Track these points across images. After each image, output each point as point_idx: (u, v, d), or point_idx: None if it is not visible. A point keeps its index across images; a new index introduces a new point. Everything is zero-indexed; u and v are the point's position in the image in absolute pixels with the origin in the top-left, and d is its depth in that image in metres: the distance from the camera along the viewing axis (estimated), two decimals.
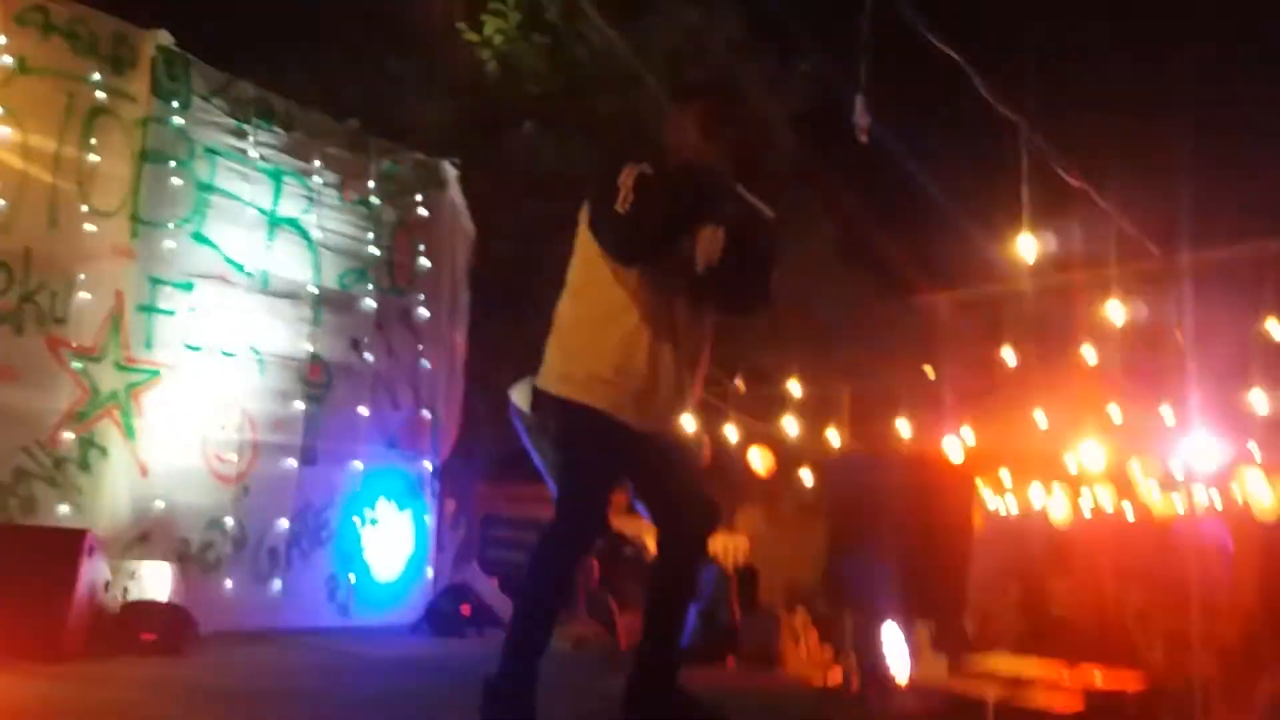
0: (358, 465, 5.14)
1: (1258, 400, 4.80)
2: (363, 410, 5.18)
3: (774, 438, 12.60)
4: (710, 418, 13.04)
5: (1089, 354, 6.35)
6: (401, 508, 5.38)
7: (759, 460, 11.54)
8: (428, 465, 5.54)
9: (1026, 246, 5.13)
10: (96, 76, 4.23)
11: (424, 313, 5.60)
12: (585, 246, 2.85)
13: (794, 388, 11.96)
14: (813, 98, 7.01)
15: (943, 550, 4.81)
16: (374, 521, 5.20)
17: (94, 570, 3.54)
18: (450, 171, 5.94)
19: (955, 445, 6.63)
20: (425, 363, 5.56)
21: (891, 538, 4.57)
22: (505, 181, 6.82)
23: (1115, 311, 5.99)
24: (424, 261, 5.64)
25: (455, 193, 5.97)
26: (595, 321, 2.83)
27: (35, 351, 3.93)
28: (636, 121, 6.99)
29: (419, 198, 5.72)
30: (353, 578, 5.02)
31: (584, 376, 2.81)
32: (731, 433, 13.18)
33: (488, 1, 6.63)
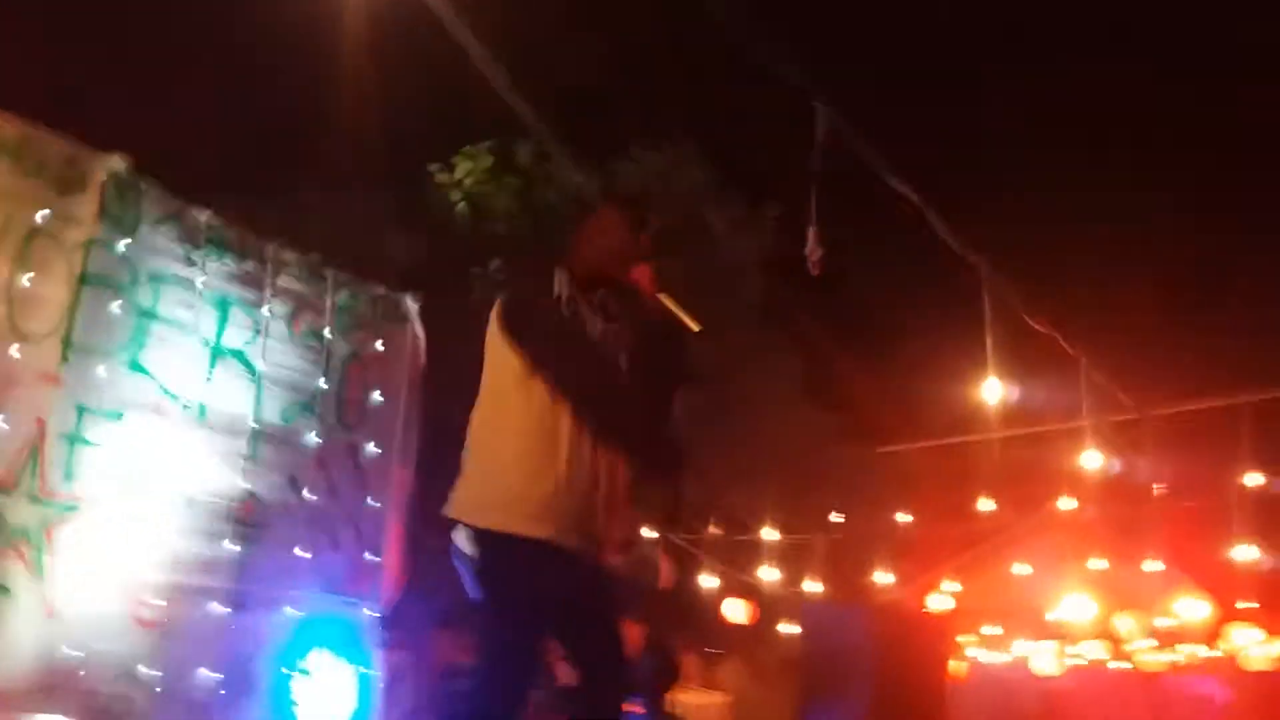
0: (292, 612, 4.80)
1: (1243, 553, 4.61)
2: (300, 552, 4.88)
3: (751, 586, 12.18)
4: (686, 564, 12.72)
5: (1066, 504, 6.18)
6: (342, 658, 5.01)
7: (738, 611, 11.09)
8: (371, 612, 5.20)
9: (991, 391, 5.00)
10: (40, 198, 4.11)
11: (373, 450, 5.36)
12: (497, 349, 2.72)
13: (769, 534, 11.64)
14: (781, 242, 7.05)
15: (916, 705, 4.51)
16: (305, 673, 4.83)
17: None
18: (411, 306, 5.81)
19: (935, 597, 6.40)
20: (372, 501, 5.29)
21: (864, 691, 4.29)
22: (471, 318, 6.73)
23: (1091, 461, 5.85)
24: (377, 397, 5.45)
25: (416, 328, 5.83)
26: (504, 431, 2.65)
27: None
28: None
29: (376, 332, 5.57)
30: None
31: (498, 498, 2.62)
32: (708, 580, 12.71)
33: (460, 144, 6.73)
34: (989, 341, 5.02)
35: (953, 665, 10.64)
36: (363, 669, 5.09)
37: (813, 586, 12.45)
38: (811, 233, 3.62)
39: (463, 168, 6.73)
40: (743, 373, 7.70)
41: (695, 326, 2.71)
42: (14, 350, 3.96)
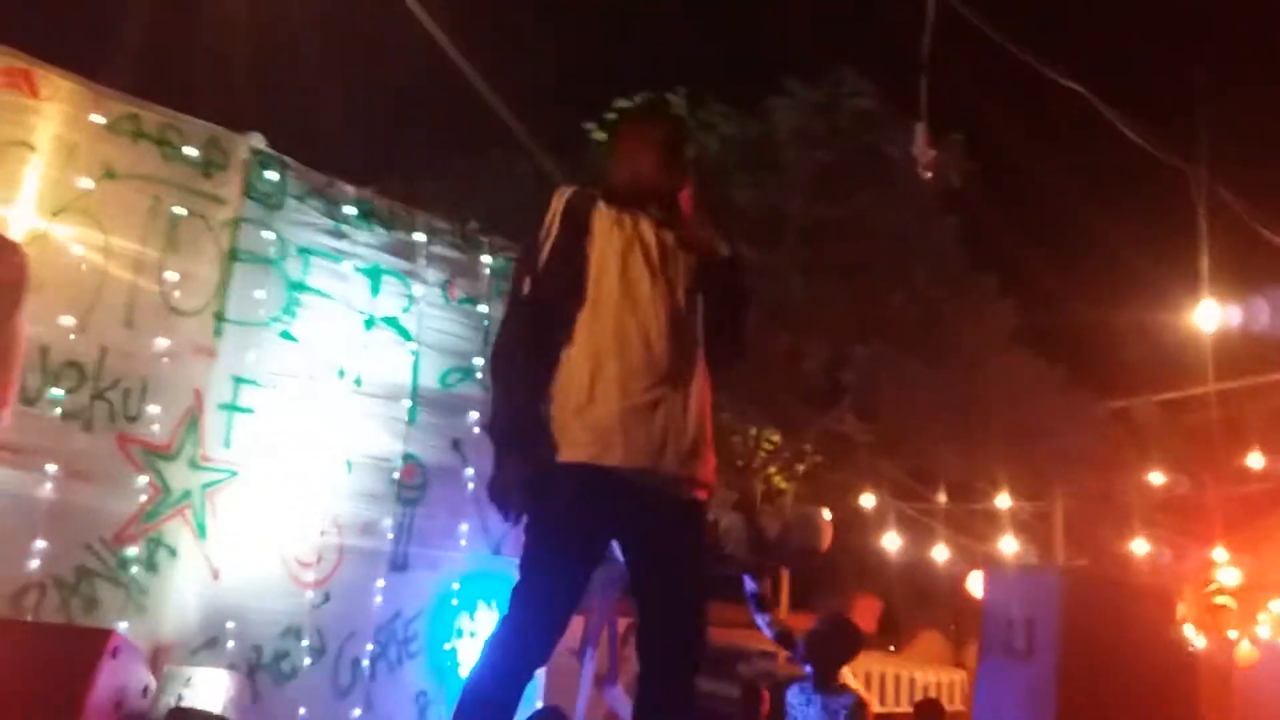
0: (455, 572, 4.83)
1: None
2: (463, 513, 4.90)
3: (991, 558, 11.35)
4: (918, 536, 12.04)
5: None
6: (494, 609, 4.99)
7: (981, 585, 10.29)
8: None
9: (1207, 315, 4.27)
10: (184, 180, 4.31)
11: None
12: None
13: (1003, 501, 10.80)
14: (967, 169, 6.42)
15: (1125, 681, 3.92)
16: (473, 634, 4.84)
17: (122, 674, 3.33)
18: None
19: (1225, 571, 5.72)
20: None
21: (1047, 662, 3.77)
22: None
23: None
24: None
25: None
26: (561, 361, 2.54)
27: (104, 449, 3.89)
28: (773, 206, 6.63)
29: None
30: None
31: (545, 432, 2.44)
32: (941, 553, 11.97)
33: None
34: (1205, 264, 4.27)
35: (1243, 651, 9.43)
36: None
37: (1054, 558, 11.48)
38: (920, 130, 3.20)
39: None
40: (948, 321, 7.12)
41: (725, 251, 2.60)
42: (168, 325, 4.16)
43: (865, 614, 15.36)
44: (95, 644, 3.21)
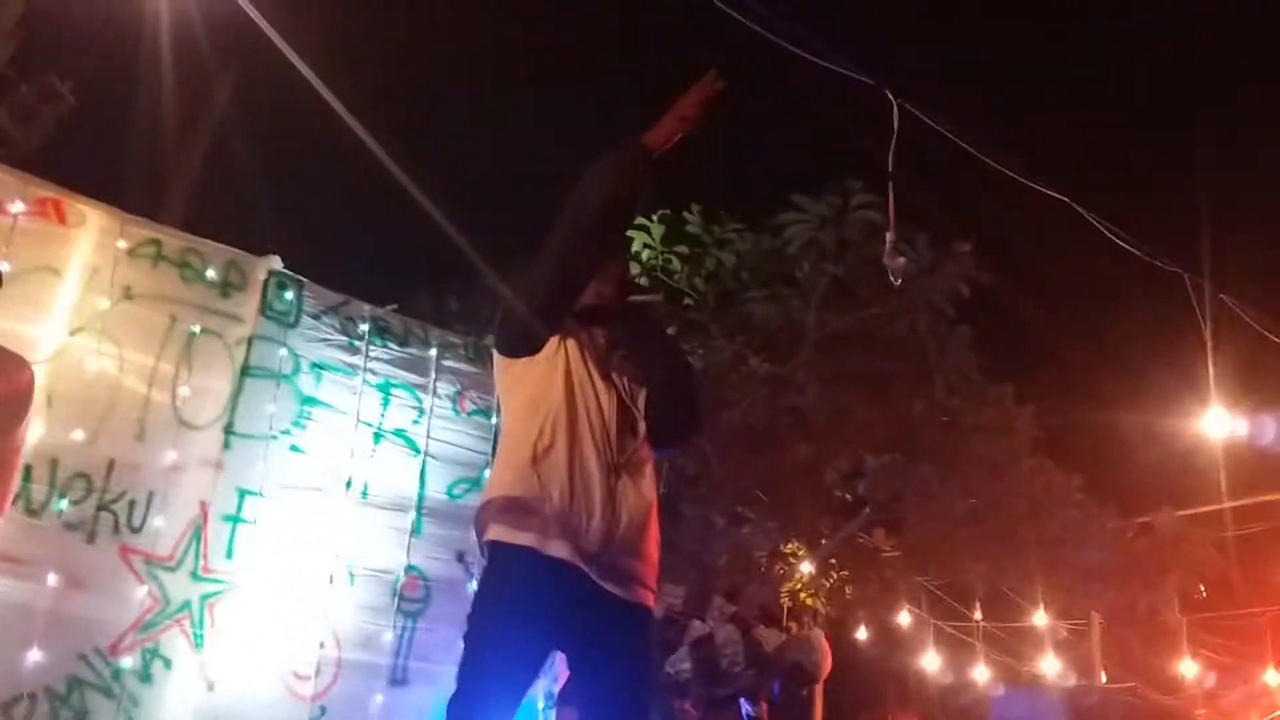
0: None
1: None
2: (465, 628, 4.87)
3: (1034, 679, 10.91)
4: (957, 654, 11.64)
5: None
6: None
7: None
8: (541, 689, 5.09)
9: (1217, 422, 4.21)
10: (202, 301, 4.49)
11: None
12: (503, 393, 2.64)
13: (1040, 619, 10.44)
14: (974, 280, 6.46)
15: None
16: None
17: None
18: None
19: None
20: None
21: None
22: None
23: None
24: None
25: None
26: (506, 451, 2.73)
27: (106, 560, 3.97)
28: (789, 319, 6.71)
29: None
30: None
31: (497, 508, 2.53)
32: (981, 673, 11.57)
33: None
34: (1209, 362, 4.25)
35: None
36: None
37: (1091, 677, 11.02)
38: (890, 239, 3.28)
39: (638, 240, 6.74)
40: (967, 431, 7.05)
41: (658, 297, 3.03)
42: (178, 438, 4.29)
43: None
44: None
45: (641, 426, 2.78)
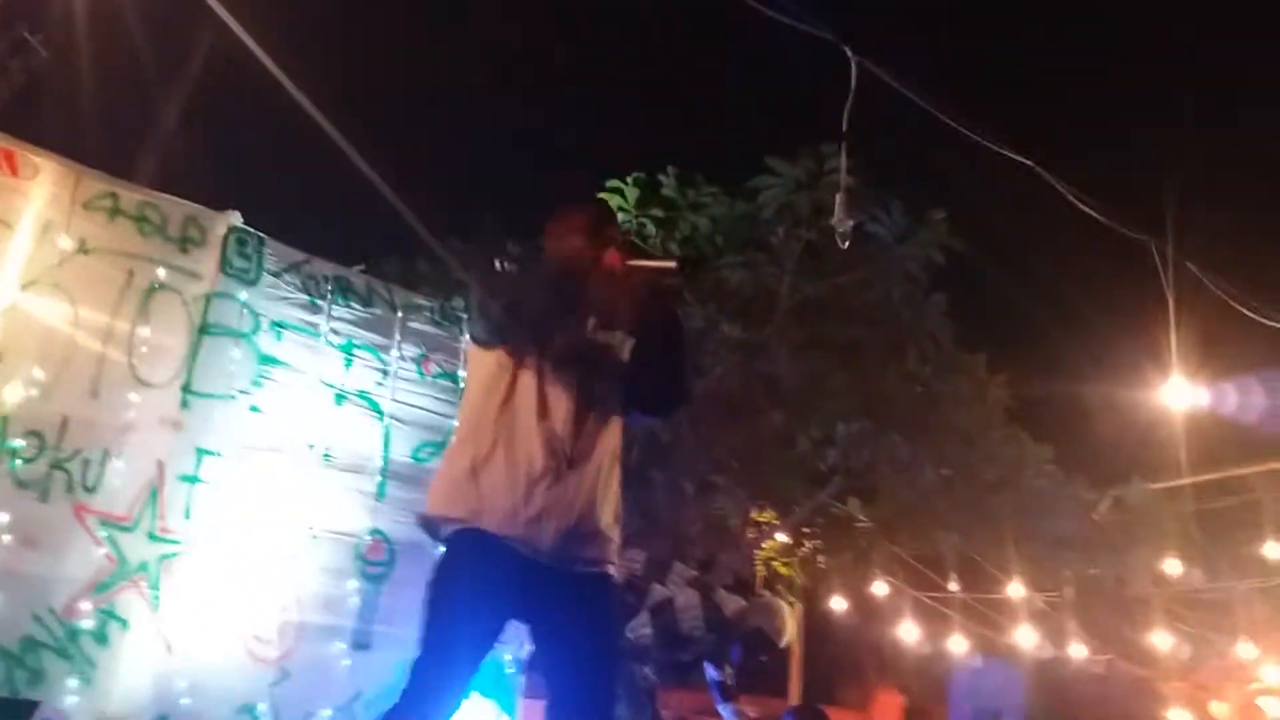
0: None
1: None
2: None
3: (1010, 650, 10.95)
4: (935, 626, 11.69)
5: None
6: (479, 701, 4.88)
7: None
8: (511, 654, 5.06)
9: (1177, 392, 4.18)
10: (160, 256, 4.39)
11: None
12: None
13: (1015, 590, 10.51)
14: (950, 247, 6.41)
15: None
16: None
17: None
18: None
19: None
20: None
21: None
22: None
23: None
24: None
25: None
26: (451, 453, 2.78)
27: (59, 519, 3.89)
28: (763, 286, 6.65)
29: None
30: None
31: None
32: (959, 643, 11.64)
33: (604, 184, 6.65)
34: (1172, 333, 4.21)
35: None
36: (502, 713, 4.93)
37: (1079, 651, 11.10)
38: (840, 200, 3.25)
39: (612, 203, 6.65)
40: (940, 399, 7.03)
41: (671, 264, 2.69)
42: (134, 396, 4.20)
43: (888, 708, 14.91)
44: (19, 716, 3.18)
45: (604, 409, 2.73)
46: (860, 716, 14.13)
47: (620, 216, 6.71)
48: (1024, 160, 3.74)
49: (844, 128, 3.47)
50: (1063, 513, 6.87)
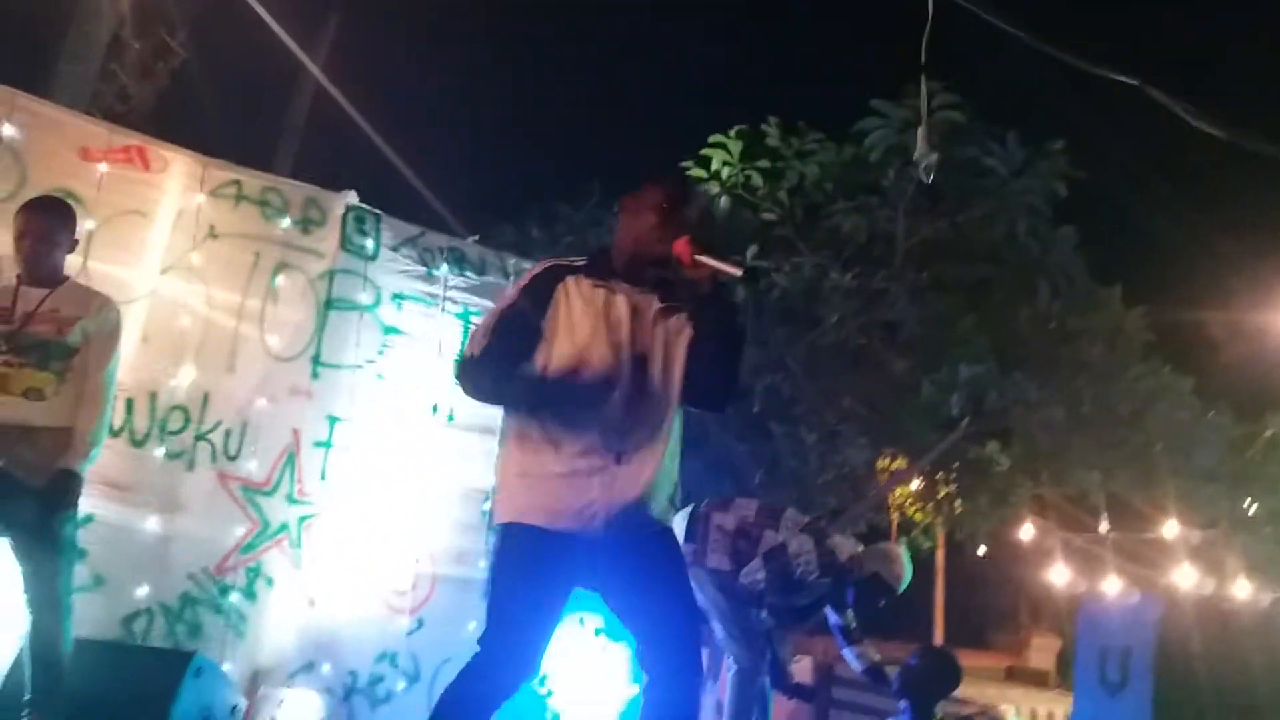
0: None
1: None
2: None
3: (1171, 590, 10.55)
4: (1088, 568, 11.32)
5: None
6: (612, 640, 5.04)
7: None
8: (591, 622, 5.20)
9: None
10: (285, 237, 4.65)
11: None
12: None
13: (1170, 529, 10.06)
14: (1073, 177, 6.13)
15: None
16: (568, 662, 4.91)
17: (207, 694, 3.60)
18: None
19: None
20: None
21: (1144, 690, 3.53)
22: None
23: None
24: None
25: None
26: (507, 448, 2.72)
27: (206, 486, 4.23)
28: (878, 230, 6.54)
29: None
30: None
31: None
32: (1113, 585, 11.27)
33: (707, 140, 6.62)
34: None
35: None
36: (626, 654, 5.08)
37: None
38: (920, 133, 3.14)
39: (717, 158, 6.63)
40: (1074, 336, 6.75)
41: (738, 271, 2.56)
42: (268, 369, 4.49)
43: (1043, 651, 14.52)
44: (178, 665, 3.49)
45: (659, 402, 2.69)
46: (1013, 659, 13.81)
47: (725, 170, 6.69)
48: (1131, 81, 3.54)
49: (921, 59, 3.35)
50: (1205, 444, 6.51)
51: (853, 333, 6.89)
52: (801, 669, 6.36)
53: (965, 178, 6.29)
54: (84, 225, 3.92)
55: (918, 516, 8.30)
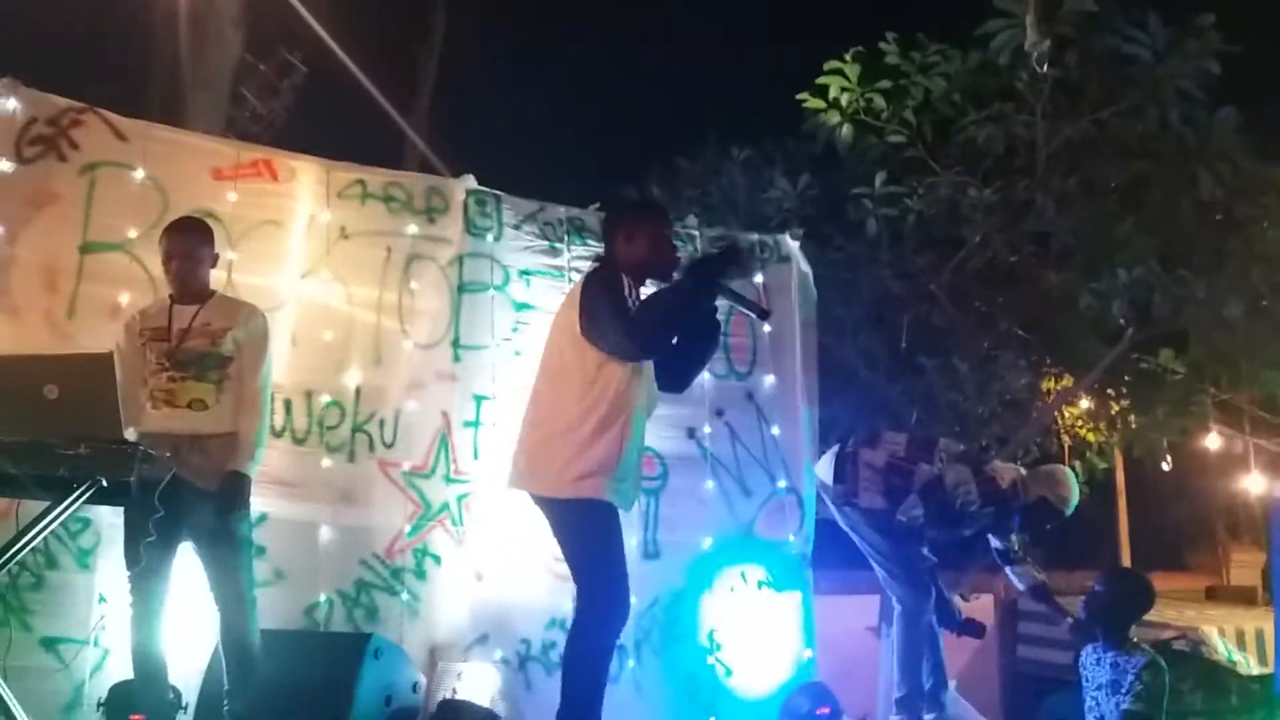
0: (706, 556, 4.95)
1: None
2: (706, 498, 5.02)
3: None
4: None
5: None
6: (770, 596, 5.02)
7: None
8: (796, 547, 5.16)
9: None
10: (412, 229, 4.77)
11: (770, 390, 5.33)
12: (567, 348, 3.35)
13: None
14: (1228, 52, 5.60)
15: None
16: (740, 612, 4.93)
17: (388, 672, 3.77)
18: (791, 244, 5.68)
19: None
20: (777, 437, 5.25)
21: None
22: (860, 243, 6.40)
23: None
24: (766, 340, 5.40)
25: (800, 265, 5.67)
26: (590, 420, 3.27)
27: (368, 475, 4.41)
28: (1017, 137, 6.19)
29: (758, 278, 5.53)
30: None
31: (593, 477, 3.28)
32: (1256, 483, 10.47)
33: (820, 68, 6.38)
34: None
35: None
36: (793, 606, 5.05)
37: None
38: (1029, 21, 2.90)
39: (834, 85, 6.38)
40: (1242, 229, 6.22)
41: (756, 313, 3.57)
42: (412, 357, 4.63)
43: (1245, 567, 13.60)
44: (359, 648, 3.67)
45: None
46: (1213, 578, 13.02)
47: (845, 96, 6.45)
48: None
49: None
50: None
51: (1000, 250, 6.55)
52: (983, 606, 6.17)
53: (1106, 69, 5.85)
54: (223, 241, 4.12)
55: (1090, 437, 7.87)
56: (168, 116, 5.68)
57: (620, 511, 3.40)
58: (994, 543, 4.57)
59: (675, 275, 3.31)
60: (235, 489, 3.47)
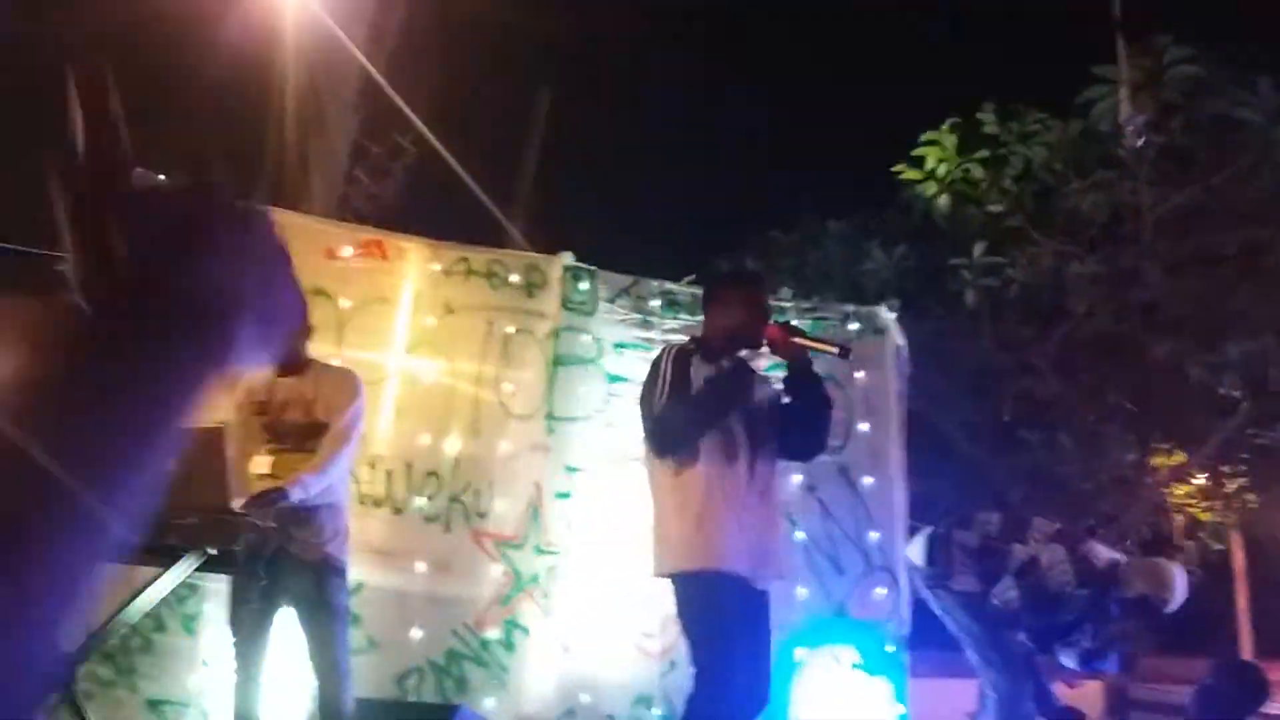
0: (797, 635, 4.87)
1: None
2: (801, 578, 4.95)
3: None
4: None
5: None
6: (871, 675, 4.91)
7: None
8: (893, 631, 5.04)
9: None
10: (511, 303, 4.92)
11: (865, 469, 5.26)
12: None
13: None
14: None
15: None
16: (831, 695, 4.82)
17: None
18: (888, 316, 5.64)
19: None
20: (872, 518, 5.16)
21: None
22: (958, 314, 6.31)
23: None
24: (861, 414, 5.35)
25: (895, 337, 5.62)
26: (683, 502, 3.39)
27: (462, 545, 4.51)
28: (1121, 205, 6.07)
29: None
30: None
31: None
32: None
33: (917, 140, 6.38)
34: None
35: None
36: (887, 690, 4.92)
37: None
38: (1122, 94, 2.84)
39: (931, 156, 6.36)
40: None
41: (836, 350, 3.35)
42: (508, 429, 4.74)
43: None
44: (446, 717, 3.72)
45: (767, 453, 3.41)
46: None
47: (942, 167, 6.43)
48: None
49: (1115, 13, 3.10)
50: None
51: (1106, 320, 6.39)
52: (1089, 693, 5.90)
53: (1215, 134, 5.71)
54: (333, 319, 4.32)
55: (1204, 516, 7.52)
56: (283, 199, 6.00)
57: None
58: (1084, 641, 4.36)
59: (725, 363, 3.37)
60: (262, 497, 3.32)
